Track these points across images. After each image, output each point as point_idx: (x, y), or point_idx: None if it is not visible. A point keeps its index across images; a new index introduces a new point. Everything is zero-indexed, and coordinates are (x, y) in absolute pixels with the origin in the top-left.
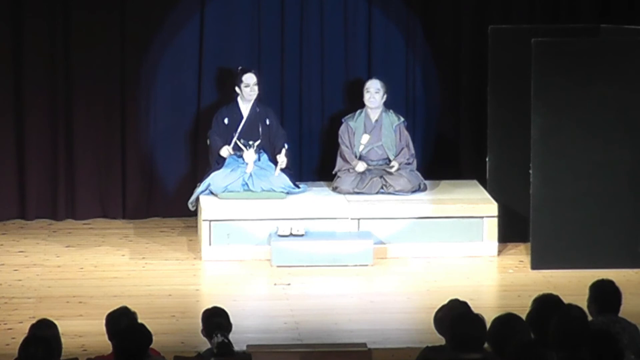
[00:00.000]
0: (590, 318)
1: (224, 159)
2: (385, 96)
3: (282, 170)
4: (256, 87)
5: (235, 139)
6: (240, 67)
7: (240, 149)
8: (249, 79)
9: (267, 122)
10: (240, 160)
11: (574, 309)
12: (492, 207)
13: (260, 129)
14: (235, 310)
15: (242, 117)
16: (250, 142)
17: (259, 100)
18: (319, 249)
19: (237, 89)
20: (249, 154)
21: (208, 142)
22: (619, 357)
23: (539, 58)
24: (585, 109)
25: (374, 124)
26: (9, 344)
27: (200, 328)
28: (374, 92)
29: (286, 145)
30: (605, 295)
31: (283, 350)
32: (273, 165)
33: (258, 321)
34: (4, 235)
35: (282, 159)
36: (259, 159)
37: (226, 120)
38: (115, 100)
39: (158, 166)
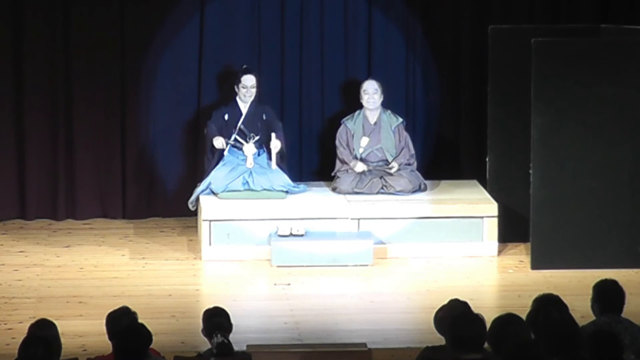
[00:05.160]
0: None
1: (219, 151)
2: (382, 96)
3: (281, 168)
4: (253, 90)
5: (234, 134)
6: (243, 67)
7: (240, 143)
8: (247, 81)
9: (264, 118)
10: (240, 157)
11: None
12: (492, 207)
13: (259, 125)
14: (235, 310)
15: (241, 114)
16: (252, 135)
17: (258, 100)
18: (319, 249)
19: (235, 88)
20: (249, 147)
21: (205, 131)
22: (619, 356)
23: (539, 58)
24: (585, 109)
25: (373, 127)
26: (9, 344)
27: (200, 328)
28: (372, 93)
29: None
30: (608, 295)
31: (283, 350)
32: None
33: (258, 321)
34: (4, 235)
35: (275, 143)
36: (259, 154)
37: (226, 116)
38: (115, 101)
39: (158, 166)
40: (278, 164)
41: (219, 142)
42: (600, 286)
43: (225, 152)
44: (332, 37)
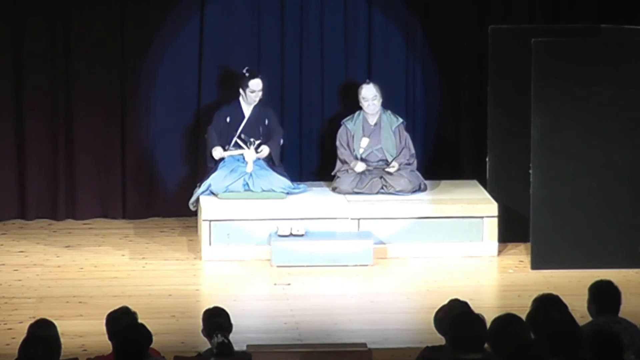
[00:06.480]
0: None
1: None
2: (381, 99)
3: (277, 170)
4: (261, 93)
5: (235, 137)
6: (246, 69)
7: (240, 147)
8: (256, 85)
9: (266, 123)
10: (240, 160)
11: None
12: (492, 207)
13: (260, 129)
14: (235, 310)
15: (243, 117)
16: (252, 140)
17: (260, 102)
18: (319, 249)
19: (241, 90)
20: (249, 153)
21: (206, 136)
22: (620, 357)
23: (539, 58)
24: (585, 109)
25: (373, 128)
26: (9, 344)
27: (200, 328)
28: (371, 99)
29: (281, 141)
30: (604, 295)
31: (283, 350)
32: (272, 167)
33: (258, 321)
34: (4, 235)
35: (261, 148)
36: (259, 159)
37: (228, 119)
38: (115, 101)
39: (158, 166)
40: (275, 168)
41: (217, 153)
42: (596, 287)
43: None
44: (332, 37)
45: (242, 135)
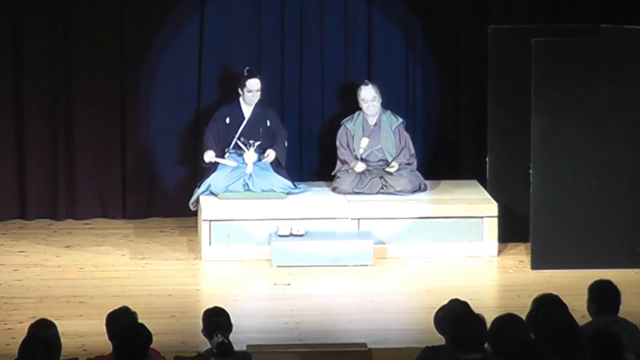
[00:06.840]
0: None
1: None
2: (380, 99)
3: (278, 172)
4: (258, 93)
5: (235, 139)
6: (246, 69)
7: (240, 149)
8: (253, 85)
9: (268, 124)
10: (239, 160)
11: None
12: (492, 207)
13: (260, 130)
14: (235, 310)
15: (243, 118)
16: (251, 142)
17: (260, 102)
18: (319, 249)
19: (239, 90)
20: (249, 155)
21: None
22: (620, 357)
23: (539, 58)
24: (585, 109)
25: (373, 128)
26: (9, 344)
27: (200, 328)
28: (371, 101)
29: (285, 143)
30: (604, 295)
31: (283, 350)
32: (275, 169)
33: (258, 321)
34: (4, 235)
35: (267, 152)
36: (259, 159)
37: (228, 120)
38: (115, 101)
39: (158, 166)
40: (277, 170)
41: (208, 156)
42: (596, 287)
43: (227, 156)
44: (332, 37)
45: (242, 138)
